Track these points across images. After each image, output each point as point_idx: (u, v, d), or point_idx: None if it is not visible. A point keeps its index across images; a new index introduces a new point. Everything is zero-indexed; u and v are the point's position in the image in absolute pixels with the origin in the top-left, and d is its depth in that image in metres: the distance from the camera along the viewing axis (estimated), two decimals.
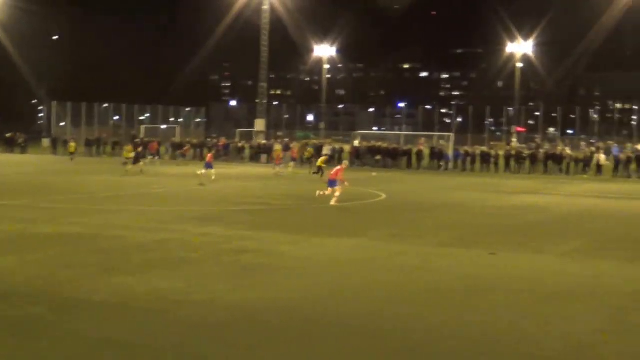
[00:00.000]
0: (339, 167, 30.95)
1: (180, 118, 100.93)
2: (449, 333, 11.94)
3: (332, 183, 29.73)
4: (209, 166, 40.63)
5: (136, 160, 45.32)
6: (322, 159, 44.42)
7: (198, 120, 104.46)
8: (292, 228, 23.09)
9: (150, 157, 51.66)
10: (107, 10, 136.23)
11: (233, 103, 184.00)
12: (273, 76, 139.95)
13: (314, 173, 43.45)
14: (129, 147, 48.64)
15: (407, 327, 12.22)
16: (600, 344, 11.60)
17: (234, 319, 12.34)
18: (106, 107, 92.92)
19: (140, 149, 49.75)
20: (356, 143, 65.52)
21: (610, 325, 12.61)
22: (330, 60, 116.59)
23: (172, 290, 14.09)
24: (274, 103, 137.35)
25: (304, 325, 12.15)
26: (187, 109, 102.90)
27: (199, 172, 40.49)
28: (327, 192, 29.72)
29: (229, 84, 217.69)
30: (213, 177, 39.81)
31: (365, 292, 14.63)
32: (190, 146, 65.23)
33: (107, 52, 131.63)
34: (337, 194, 29.43)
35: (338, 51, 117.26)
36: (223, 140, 68.27)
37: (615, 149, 69.81)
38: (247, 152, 65.46)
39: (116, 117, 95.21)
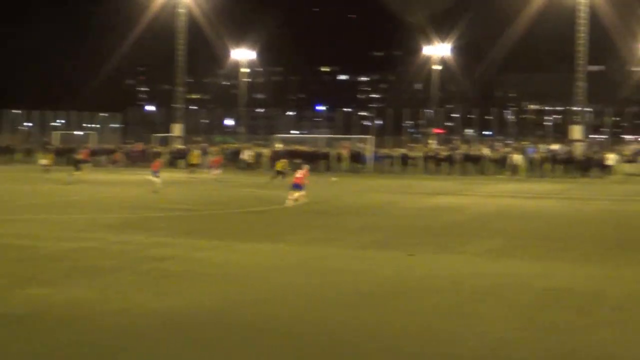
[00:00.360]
0: (303, 171, 32.48)
1: (95, 124, 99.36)
2: (369, 335, 11.99)
3: (297, 187, 31.36)
4: (155, 173, 39.51)
5: (78, 167, 44.34)
6: (281, 163, 43.20)
7: (114, 125, 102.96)
8: (212, 234, 22.93)
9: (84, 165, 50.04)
10: (16, 13, 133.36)
11: (150, 108, 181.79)
12: (191, 80, 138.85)
13: (274, 178, 41.72)
14: (46, 155, 47.53)
15: (328, 330, 12.23)
16: (515, 341, 11.80)
17: (153, 327, 12.18)
18: (17, 113, 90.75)
19: (81, 156, 48.68)
20: (279, 146, 65.42)
21: (525, 323, 12.84)
22: (249, 64, 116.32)
23: (89, 300, 13.83)
24: (192, 107, 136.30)
25: (224, 332, 12.06)
26: (102, 115, 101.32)
27: (150, 178, 39.34)
28: (295, 195, 31.29)
29: (146, 89, 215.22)
30: (158, 185, 38.42)
31: (286, 296, 14.59)
32: (121, 153, 64.14)
33: (18, 58, 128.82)
34: (301, 194, 31.40)
35: (257, 54, 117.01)
36: (140, 146, 67.39)
37: (529, 149, 71.29)
38: (164, 157, 64.76)
39: (27, 124, 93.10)
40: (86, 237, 21.50)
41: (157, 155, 55.36)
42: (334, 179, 41.30)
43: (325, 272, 17.05)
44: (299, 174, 32.39)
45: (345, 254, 19.36)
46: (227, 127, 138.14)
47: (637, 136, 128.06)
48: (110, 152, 64.81)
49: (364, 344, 11.58)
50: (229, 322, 12.68)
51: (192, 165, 49.86)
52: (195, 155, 53.92)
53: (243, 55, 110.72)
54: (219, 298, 14.34)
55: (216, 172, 48.87)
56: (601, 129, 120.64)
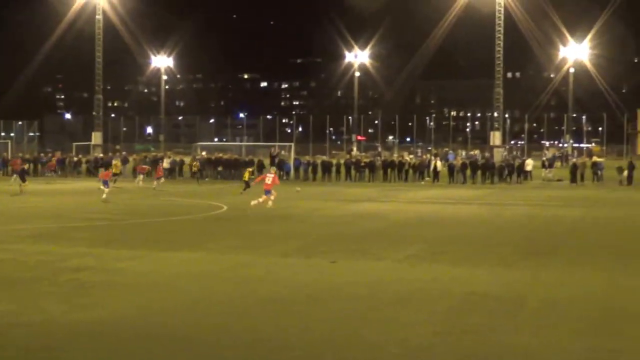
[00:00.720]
0: (272, 176, 33.89)
1: (11, 132, 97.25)
2: (292, 343, 11.95)
3: (267, 192, 33.02)
4: (106, 183, 38.54)
5: (23, 177, 43.15)
6: (247, 173, 42.26)
7: (31, 134, 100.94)
8: (133, 243, 22.60)
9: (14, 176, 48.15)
10: None
11: (68, 116, 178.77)
12: (109, 87, 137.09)
13: (244, 189, 39.94)
14: None
15: (249, 338, 12.15)
16: (437, 346, 11.90)
17: (70, 339, 11.92)
18: None
19: (27, 166, 47.39)
20: (204, 154, 64.82)
21: (446, 327, 12.95)
22: (169, 71, 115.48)
23: (4, 313, 13.48)
24: (111, 115, 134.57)
25: (145, 342, 11.88)
26: (19, 123, 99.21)
27: (100, 187, 38.58)
28: (261, 200, 33.04)
29: (63, 96, 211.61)
30: (104, 196, 37.50)
31: (207, 305, 14.46)
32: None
33: None
34: (272, 197, 33.14)
35: (177, 61, 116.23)
36: (58, 155, 66.12)
37: (450, 155, 72.26)
38: (83, 166, 63.78)
39: None
40: (2, 249, 20.99)
41: (108, 164, 54.24)
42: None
43: (246, 280, 16.94)
44: (269, 179, 33.59)
45: (266, 262, 19.27)
46: (148, 135, 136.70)
47: (554, 141, 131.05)
48: (47, 160, 63.14)
49: (286, 352, 11.53)
50: (149, 332, 12.49)
51: (115, 174, 49.02)
52: (116, 165, 53.01)
53: (163, 62, 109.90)
54: (139, 308, 14.13)
55: (141, 180, 48.36)
56: (521, 135, 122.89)
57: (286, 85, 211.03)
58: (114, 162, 55.48)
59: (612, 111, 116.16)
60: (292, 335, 12.42)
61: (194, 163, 42.75)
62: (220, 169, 57.95)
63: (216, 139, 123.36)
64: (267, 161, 58.72)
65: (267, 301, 14.81)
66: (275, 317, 13.54)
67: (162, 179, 47.26)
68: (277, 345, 11.83)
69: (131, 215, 31.78)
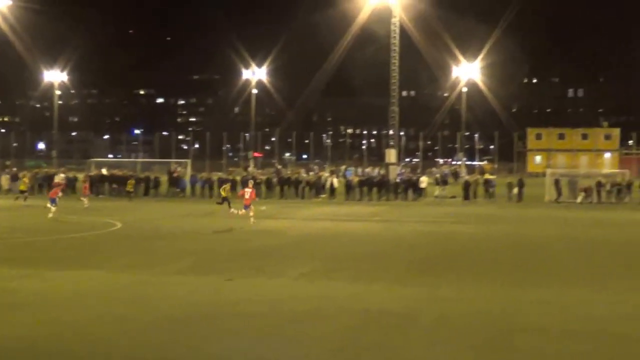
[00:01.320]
0: (250, 191, 35.08)
1: None
2: None
3: (247, 207, 34.22)
4: (53, 201, 37.00)
5: None
6: (226, 187, 41.18)
7: None
8: (24, 262, 21.93)
9: None
10: None
11: None
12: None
13: (218, 203, 39.67)
14: None
15: (142, 357, 11.89)
16: None
17: None
18: None
19: None
20: (104, 171, 63.11)
21: (343, 345, 12.95)
22: (62, 86, 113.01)
23: None
24: (1, 130, 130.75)
25: None
26: None
27: (48, 206, 37.05)
28: (241, 212, 34.55)
29: None
30: (50, 215, 36.06)
31: (100, 324, 14.11)
32: None
33: None
34: (252, 213, 34.11)
35: (71, 76, 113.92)
36: None
37: (347, 172, 72.80)
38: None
39: None
40: None
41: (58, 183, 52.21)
42: (263, 207, 40.28)
43: (141, 299, 16.62)
44: (247, 194, 34.77)
45: (161, 280, 18.96)
46: (39, 151, 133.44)
47: (448, 159, 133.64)
48: None
49: None
50: (42, 351, 12.17)
51: (22, 191, 47.30)
52: (24, 182, 50.83)
53: (56, 76, 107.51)
54: (31, 328, 13.73)
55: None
56: (415, 152, 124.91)
57: (183, 102, 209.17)
58: (21, 177, 53.33)
59: (503, 130, 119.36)
60: (185, 354, 12.23)
61: (225, 187, 41.52)
62: (115, 185, 56.94)
63: (111, 155, 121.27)
64: (164, 178, 58.02)
65: (162, 320, 14.55)
66: (169, 336, 13.31)
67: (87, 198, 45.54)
68: None
69: (22, 233, 30.80)
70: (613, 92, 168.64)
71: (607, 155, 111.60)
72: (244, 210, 34.51)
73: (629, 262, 22.96)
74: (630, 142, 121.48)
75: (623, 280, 19.47)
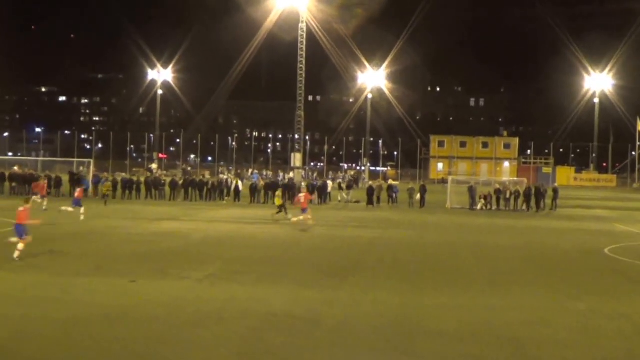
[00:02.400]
0: (303, 195, 36.12)
1: None
2: None
3: (304, 211, 34.92)
4: (77, 203, 36.91)
5: None
6: (279, 194, 40.38)
7: None
8: None
9: None
10: None
11: None
12: None
13: (278, 213, 38.66)
14: None
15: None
16: None
17: None
18: None
19: None
20: (16, 168, 61.31)
21: (246, 348, 13.04)
22: None
23: None
24: None
25: None
26: None
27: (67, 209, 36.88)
28: (301, 218, 34.94)
29: None
30: (81, 217, 36.13)
31: None
32: None
33: None
34: (309, 216, 35.10)
35: None
36: None
37: (254, 175, 72.69)
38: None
39: None
40: None
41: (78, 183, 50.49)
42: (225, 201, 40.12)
43: (40, 301, 16.38)
44: (303, 198, 35.66)
45: (62, 282, 18.69)
46: None
47: (353, 164, 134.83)
48: None
49: None
50: None
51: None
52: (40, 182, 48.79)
53: None
54: None
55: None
56: (321, 157, 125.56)
57: (86, 101, 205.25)
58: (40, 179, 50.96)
59: (407, 136, 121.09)
60: (85, 357, 12.12)
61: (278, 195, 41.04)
62: (14, 184, 55.55)
63: (10, 154, 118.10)
64: (65, 177, 56.87)
65: (61, 322, 14.38)
66: (68, 339, 13.17)
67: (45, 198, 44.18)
68: None
69: None
70: (513, 103, 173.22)
71: (506, 163, 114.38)
72: (304, 215, 34.91)
73: (528, 268, 23.66)
74: (529, 151, 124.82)
75: (521, 287, 20.07)
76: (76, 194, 38.38)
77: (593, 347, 13.91)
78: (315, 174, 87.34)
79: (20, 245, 22.46)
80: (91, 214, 37.68)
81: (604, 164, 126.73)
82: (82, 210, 36.28)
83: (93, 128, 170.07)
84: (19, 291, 17.41)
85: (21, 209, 23.24)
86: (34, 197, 43.30)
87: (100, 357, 12.21)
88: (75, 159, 68.93)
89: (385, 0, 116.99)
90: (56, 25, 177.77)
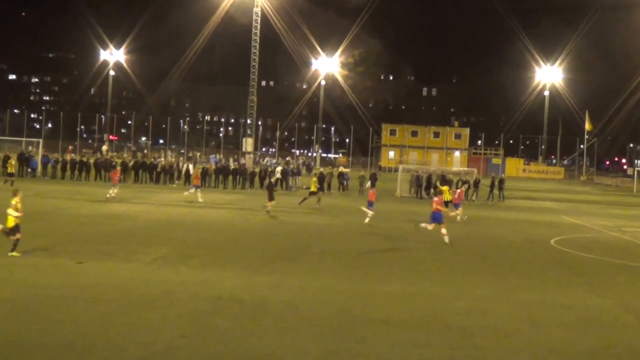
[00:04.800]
0: (372, 192, 34.45)
1: None
2: (29, 346, 11.61)
3: (371, 204, 33.16)
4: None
5: None
6: (313, 182, 39.83)
7: None
8: None
9: None
10: None
11: None
12: None
13: (311, 194, 39.30)
14: None
15: None
16: (182, 348, 11.97)
17: None
18: None
19: None
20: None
21: (192, 330, 13.04)
22: None
23: None
24: None
25: None
26: None
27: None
28: (368, 212, 32.89)
29: None
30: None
31: None
32: None
33: None
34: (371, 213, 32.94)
35: None
36: None
37: (212, 158, 72.39)
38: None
39: None
40: None
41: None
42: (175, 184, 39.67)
43: None
44: (371, 194, 34.01)
45: (7, 262, 18.48)
46: None
47: (304, 150, 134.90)
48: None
49: (26, 353, 11.18)
50: None
51: (10, 174, 44.65)
52: (11, 164, 47.66)
53: None
54: None
55: None
56: (272, 142, 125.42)
57: (36, 80, 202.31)
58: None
59: (359, 124, 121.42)
60: (30, 338, 12.04)
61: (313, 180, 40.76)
62: None
63: None
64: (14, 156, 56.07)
65: (5, 302, 14.25)
66: (12, 319, 13.06)
67: None
68: (10, 350, 11.41)
69: None
70: (465, 93, 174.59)
71: (457, 153, 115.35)
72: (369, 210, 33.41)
73: (475, 258, 23.93)
74: (479, 142, 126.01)
75: (468, 276, 20.31)
76: None
77: (537, 336, 14.15)
78: (288, 160, 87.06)
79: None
80: (40, 194, 37.21)
81: (552, 156, 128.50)
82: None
83: (43, 107, 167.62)
84: None
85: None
86: None
87: (46, 337, 12.12)
88: (24, 139, 67.95)
89: None
90: (7, 2, 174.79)
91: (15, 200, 19.37)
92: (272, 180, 46.19)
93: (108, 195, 37.88)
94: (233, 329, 13.29)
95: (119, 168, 48.07)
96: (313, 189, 39.92)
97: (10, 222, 19.19)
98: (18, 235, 19.26)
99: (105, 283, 16.57)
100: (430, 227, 26.88)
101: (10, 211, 19.27)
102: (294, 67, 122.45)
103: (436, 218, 26.49)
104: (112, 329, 12.83)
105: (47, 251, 20.53)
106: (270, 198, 35.40)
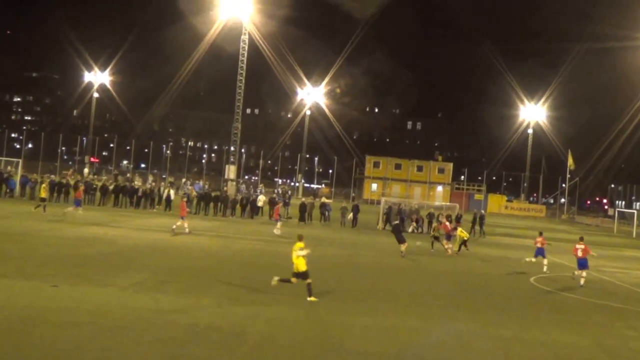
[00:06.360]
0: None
1: None
2: None
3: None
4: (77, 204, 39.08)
5: None
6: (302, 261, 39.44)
7: None
8: None
9: None
10: None
11: None
12: None
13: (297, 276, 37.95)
14: None
15: None
16: None
17: None
18: None
19: None
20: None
21: (166, 358, 12.82)
22: None
23: None
24: None
25: None
26: None
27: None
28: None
29: None
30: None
31: None
32: None
33: None
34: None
35: None
36: None
37: (196, 185, 72.16)
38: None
39: None
40: None
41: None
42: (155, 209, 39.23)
43: None
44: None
45: None
46: None
47: (287, 179, 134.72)
48: None
49: None
50: None
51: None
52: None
53: None
54: None
55: None
56: (255, 170, 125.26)
57: (18, 99, 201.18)
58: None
59: (343, 155, 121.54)
60: None
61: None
62: None
63: None
64: None
65: None
66: None
67: None
68: None
69: None
70: (449, 128, 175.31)
71: (440, 188, 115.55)
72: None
73: (454, 292, 23.78)
74: (462, 177, 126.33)
75: (446, 310, 20.16)
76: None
77: None
78: (282, 189, 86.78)
79: None
80: (17, 215, 36.85)
81: (534, 194, 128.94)
82: None
83: (24, 127, 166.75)
84: None
85: None
86: None
87: None
88: (4, 158, 67.51)
89: (327, 19, 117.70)
90: None
91: None
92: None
93: (65, 211, 37.69)
94: (208, 358, 13.08)
95: (81, 187, 47.53)
96: (302, 268, 28.21)
97: None
98: None
99: (80, 307, 16.31)
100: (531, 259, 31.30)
101: None
102: (279, 96, 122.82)
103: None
104: (86, 353, 12.60)
105: (22, 273, 20.25)
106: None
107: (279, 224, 41.39)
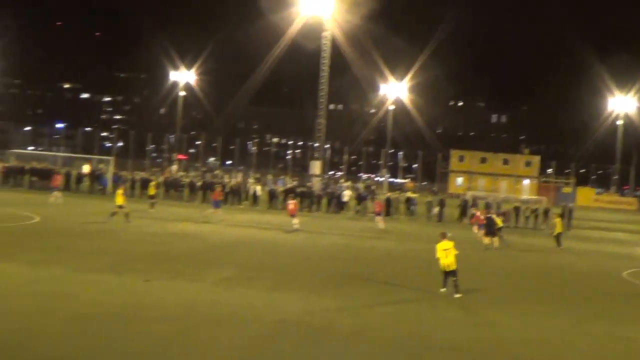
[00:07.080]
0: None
1: None
2: None
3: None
4: (216, 205, 40.24)
5: None
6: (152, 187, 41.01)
7: None
8: None
9: None
10: None
11: None
12: None
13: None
14: None
15: (44, 357, 11.70)
16: None
17: None
18: None
19: None
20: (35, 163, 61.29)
21: (255, 353, 12.93)
22: None
23: None
24: None
25: None
26: None
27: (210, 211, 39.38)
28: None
29: None
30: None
31: (8, 319, 13.85)
32: None
33: None
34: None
35: None
36: None
37: (279, 181, 72.64)
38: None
39: None
40: None
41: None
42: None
43: (51, 295, 16.36)
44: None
45: (77, 278, 18.66)
46: None
47: (371, 175, 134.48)
48: None
49: None
50: None
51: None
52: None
53: None
54: None
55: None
56: (339, 166, 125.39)
57: (109, 99, 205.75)
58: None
59: (427, 149, 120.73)
60: (95, 355, 12.04)
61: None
62: (34, 178, 55.79)
63: (31, 148, 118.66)
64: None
65: (71, 319, 14.33)
66: (76, 337, 13.10)
67: None
68: None
69: None
70: (535, 121, 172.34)
71: (526, 181, 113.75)
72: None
73: (544, 288, 23.41)
74: (550, 170, 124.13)
75: (537, 306, 19.86)
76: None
77: None
78: (362, 185, 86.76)
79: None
80: (109, 212, 37.61)
81: (625, 187, 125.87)
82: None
83: (114, 126, 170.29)
84: (32, 284, 17.41)
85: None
86: (55, 193, 43.64)
87: (110, 355, 12.12)
88: (95, 156, 69.09)
89: (409, 13, 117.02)
90: (82, 23, 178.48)
91: None
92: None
93: (205, 213, 38.55)
94: (296, 352, 13.16)
95: (218, 188, 47.27)
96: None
97: None
98: None
99: (172, 302, 16.58)
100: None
101: None
102: (362, 91, 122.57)
103: None
104: (177, 347, 12.80)
105: (115, 268, 20.68)
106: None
107: (379, 218, 41.87)
